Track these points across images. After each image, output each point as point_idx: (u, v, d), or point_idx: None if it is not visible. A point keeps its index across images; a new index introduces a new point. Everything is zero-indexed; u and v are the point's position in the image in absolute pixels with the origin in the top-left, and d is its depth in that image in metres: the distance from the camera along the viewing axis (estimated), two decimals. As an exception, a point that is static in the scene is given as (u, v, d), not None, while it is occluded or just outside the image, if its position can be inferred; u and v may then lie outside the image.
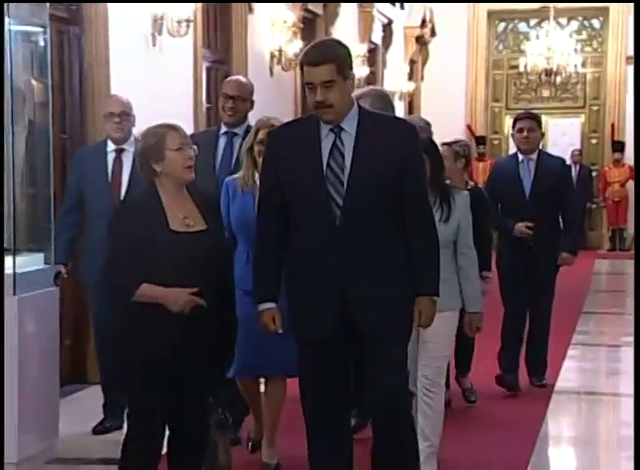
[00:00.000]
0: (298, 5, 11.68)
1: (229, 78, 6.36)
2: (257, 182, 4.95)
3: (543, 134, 7.23)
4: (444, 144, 6.12)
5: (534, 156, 7.05)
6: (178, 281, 4.02)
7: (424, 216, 4.11)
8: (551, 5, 17.77)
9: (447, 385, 6.02)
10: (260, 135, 5.01)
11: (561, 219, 7.12)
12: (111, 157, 5.96)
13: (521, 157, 7.08)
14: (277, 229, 4.12)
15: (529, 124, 7.02)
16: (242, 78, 6.26)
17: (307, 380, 4.22)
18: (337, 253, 4.00)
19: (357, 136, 4.00)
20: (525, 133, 6.99)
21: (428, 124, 6.24)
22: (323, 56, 3.96)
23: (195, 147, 4.27)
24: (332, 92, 3.94)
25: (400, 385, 4.16)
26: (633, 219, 16.02)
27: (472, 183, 6.46)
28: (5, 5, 5.06)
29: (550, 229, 7.00)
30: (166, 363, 4.06)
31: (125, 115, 5.95)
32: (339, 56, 3.98)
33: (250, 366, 4.68)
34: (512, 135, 7.39)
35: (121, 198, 5.73)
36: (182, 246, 4.06)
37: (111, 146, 5.98)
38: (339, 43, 4.13)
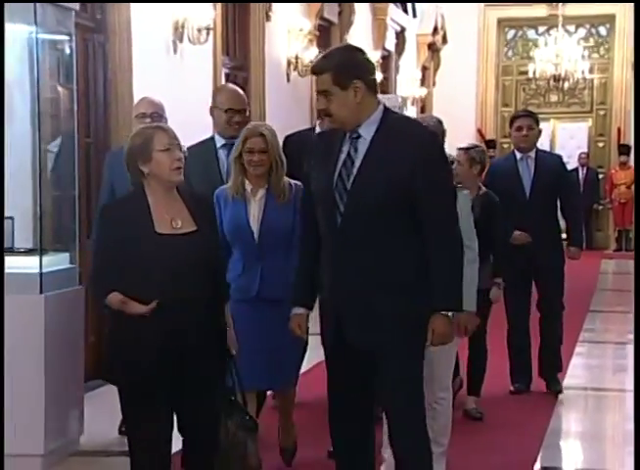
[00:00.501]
0: (314, 13, 11.70)
1: (228, 90, 5.86)
2: (248, 190, 4.85)
3: (540, 131, 6.95)
4: (460, 149, 5.91)
5: (533, 154, 6.80)
6: (164, 284, 3.75)
7: (441, 227, 3.77)
8: (559, 13, 17.76)
9: (457, 372, 6.02)
10: (249, 144, 4.81)
11: (562, 216, 6.96)
12: None
13: (519, 155, 6.81)
14: (314, 235, 3.96)
15: (528, 122, 6.78)
16: (238, 89, 5.85)
17: (328, 379, 4.08)
18: (338, 261, 3.82)
19: (371, 143, 3.79)
20: (524, 131, 6.75)
21: (439, 122, 5.93)
22: (321, 65, 3.83)
23: (185, 149, 4.00)
24: (330, 101, 3.78)
25: (406, 400, 3.88)
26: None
27: (484, 188, 6.09)
28: (33, 14, 5.09)
29: (550, 227, 6.75)
30: (151, 366, 3.80)
31: (157, 116, 5.57)
32: (336, 66, 3.76)
33: (249, 383, 4.33)
34: (509, 134, 7.08)
35: None
36: (168, 248, 3.80)
37: None
38: (346, 51, 3.94)
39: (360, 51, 3.92)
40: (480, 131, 18.56)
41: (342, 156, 3.81)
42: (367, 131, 3.80)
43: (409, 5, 16.52)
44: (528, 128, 6.74)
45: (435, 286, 3.75)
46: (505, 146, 18.92)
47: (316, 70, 3.83)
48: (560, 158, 7.31)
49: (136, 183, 3.92)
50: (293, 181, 4.85)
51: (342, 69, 3.75)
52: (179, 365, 3.85)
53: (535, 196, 6.71)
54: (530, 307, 6.86)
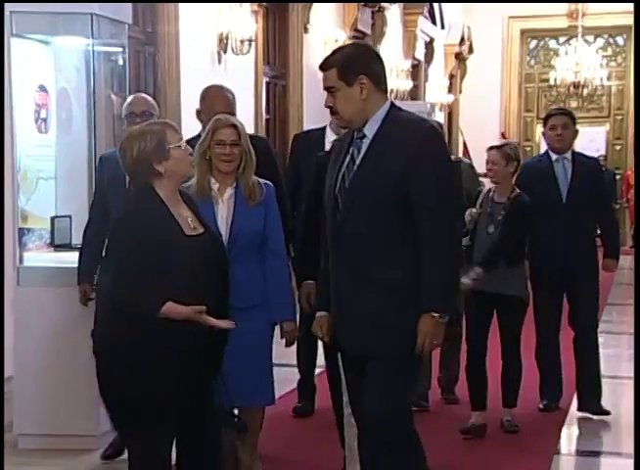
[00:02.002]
0: (349, 25, 11.73)
1: (218, 95, 4.94)
2: (215, 188, 4.13)
3: (577, 131, 6.02)
4: (493, 147, 5.41)
5: (569, 155, 5.90)
6: (196, 288, 3.33)
7: (433, 226, 3.35)
8: (579, 24, 17.67)
9: (484, 406, 5.49)
10: (219, 136, 4.09)
11: (598, 225, 6.06)
12: None
13: (554, 156, 5.89)
14: None
15: (563, 121, 5.88)
16: (229, 93, 4.99)
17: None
18: (336, 260, 3.51)
19: (371, 142, 3.45)
20: (558, 130, 5.85)
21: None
22: (327, 61, 3.52)
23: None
24: (336, 98, 3.46)
25: (383, 407, 3.42)
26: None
27: (517, 190, 5.51)
28: (90, 28, 5.15)
29: (587, 234, 5.91)
30: (182, 375, 3.33)
31: (148, 115, 4.89)
32: (341, 61, 3.45)
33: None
34: (543, 134, 6.07)
35: None
36: (197, 249, 3.37)
37: None
38: (352, 47, 3.64)
39: (367, 47, 3.65)
40: (503, 135, 18.47)
41: (348, 157, 3.51)
42: (370, 130, 3.46)
43: (437, 17, 16.47)
44: (563, 127, 5.87)
45: (422, 286, 3.36)
46: (527, 149, 18.87)
47: (323, 65, 3.53)
48: (597, 162, 6.45)
49: (144, 186, 3.41)
50: (262, 181, 4.21)
51: (347, 64, 3.45)
52: (202, 373, 3.44)
53: (572, 200, 5.83)
54: (561, 322, 6.09)
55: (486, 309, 5.46)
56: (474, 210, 5.43)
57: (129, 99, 5.06)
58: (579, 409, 5.99)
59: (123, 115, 4.98)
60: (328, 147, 5.77)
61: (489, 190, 5.53)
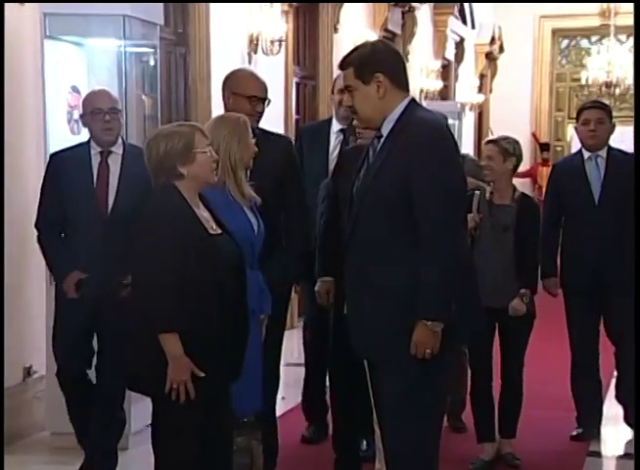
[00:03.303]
0: (379, 25, 11.72)
1: (251, 77, 4.67)
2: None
3: (614, 126, 5.49)
4: (488, 142, 5.00)
5: (603, 152, 5.40)
6: (219, 287, 3.35)
7: (431, 231, 3.27)
8: (611, 23, 17.58)
9: (493, 438, 5.07)
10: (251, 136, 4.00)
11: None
12: (95, 161, 4.63)
13: (587, 154, 5.41)
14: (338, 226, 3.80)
15: (598, 115, 5.39)
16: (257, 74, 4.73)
17: None
18: (347, 259, 3.48)
19: (383, 142, 3.39)
20: (591, 126, 5.36)
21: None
22: (345, 60, 3.44)
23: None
24: (354, 97, 3.40)
25: (395, 416, 3.39)
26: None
27: (520, 191, 5.09)
28: (122, 29, 5.20)
29: (622, 241, 5.27)
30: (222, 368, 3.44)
31: (115, 112, 4.62)
32: (357, 60, 3.39)
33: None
34: (575, 128, 5.56)
35: (109, 208, 4.56)
36: (219, 248, 3.40)
37: (95, 148, 4.66)
38: (370, 44, 3.56)
39: (385, 44, 3.59)
40: (534, 135, 18.42)
41: (367, 159, 3.48)
42: (386, 129, 3.40)
43: (468, 17, 16.43)
44: (597, 122, 5.38)
45: (419, 293, 3.27)
46: (558, 149, 18.77)
47: (341, 65, 3.46)
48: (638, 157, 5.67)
49: (165, 186, 3.40)
50: None
51: (363, 62, 3.38)
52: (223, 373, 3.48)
53: (605, 202, 5.31)
54: (599, 342, 5.59)
55: (490, 326, 4.83)
56: (474, 215, 4.84)
57: (90, 94, 4.73)
58: (617, 398, 5.77)
59: (88, 111, 4.60)
60: (333, 137, 5.59)
61: (482, 192, 4.96)
